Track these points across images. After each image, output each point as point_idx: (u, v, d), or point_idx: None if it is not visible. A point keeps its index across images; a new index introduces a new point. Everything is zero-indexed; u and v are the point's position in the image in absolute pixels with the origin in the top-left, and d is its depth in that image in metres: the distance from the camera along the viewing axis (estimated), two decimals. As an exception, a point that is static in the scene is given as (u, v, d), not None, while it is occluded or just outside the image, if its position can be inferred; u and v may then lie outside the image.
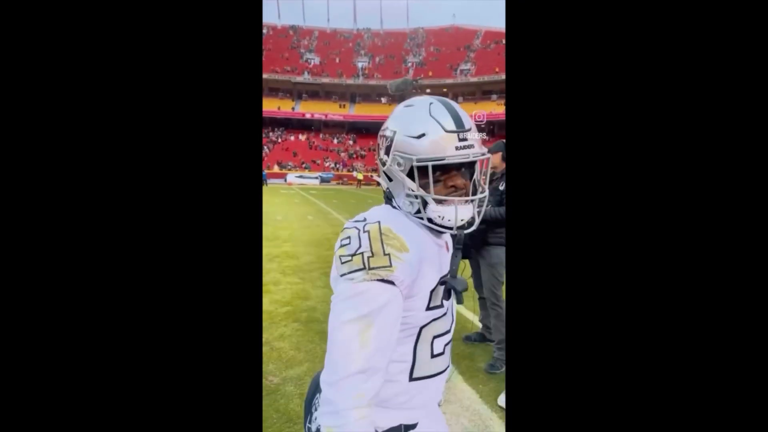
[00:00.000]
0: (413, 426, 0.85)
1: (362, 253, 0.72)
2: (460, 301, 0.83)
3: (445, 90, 44.76)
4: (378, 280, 0.72)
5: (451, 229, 0.80)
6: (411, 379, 0.83)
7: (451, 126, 0.78)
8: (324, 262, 5.67)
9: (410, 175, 0.80)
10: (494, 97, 43.21)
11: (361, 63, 51.18)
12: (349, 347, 0.72)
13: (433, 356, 0.84)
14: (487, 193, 0.84)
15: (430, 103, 0.81)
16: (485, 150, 0.82)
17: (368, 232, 0.74)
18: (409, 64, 50.07)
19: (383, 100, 45.96)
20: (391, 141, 0.82)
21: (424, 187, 0.79)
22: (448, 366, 0.90)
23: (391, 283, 0.73)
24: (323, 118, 45.19)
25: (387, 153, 0.83)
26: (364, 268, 0.72)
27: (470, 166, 0.84)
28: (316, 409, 0.81)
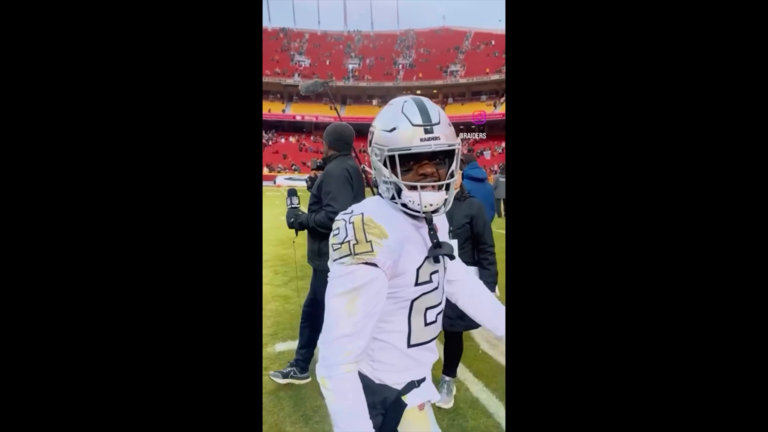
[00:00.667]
0: (423, 379, 1.03)
1: (348, 242, 0.85)
2: (452, 258, 0.96)
3: (435, 91, 44.95)
4: (363, 263, 0.85)
5: (419, 212, 0.91)
6: (409, 345, 0.98)
7: (418, 120, 0.89)
8: (278, 261, 5.76)
9: (385, 164, 0.92)
10: (483, 97, 43.44)
11: (352, 65, 51.29)
12: (338, 315, 0.86)
13: (426, 324, 0.99)
14: (454, 180, 0.94)
15: (404, 102, 0.93)
16: (454, 142, 0.92)
17: (353, 223, 0.86)
18: (399, 66, 50.24)
19: (374, 102, 46.08)
20: (373, 135, 0.95)
21: (396, 174, 0.90)
22: (440, 330, 1.06)
23: (374, 265, 0.85)
24: (314, 120, 45.25)
25: (370, 145, 0.96)
26: (351, 254, 0.85)
27: (446, 156, 0.94)
28: None
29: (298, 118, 45.27)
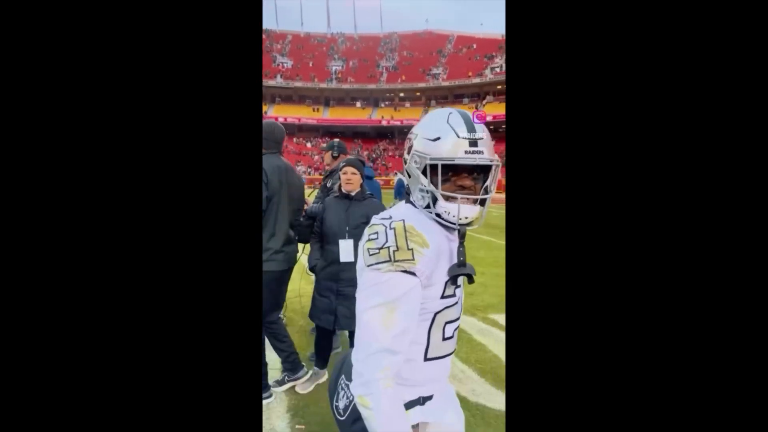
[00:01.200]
0: (429, 397, 1.00)
1: (388, 247, 0.83)
2: (471, 281, 0.94)
3: (418, 93, 45.25)
4: (401, 271, 0.83)
5: (454, 224, 0.90)
6: (426, 359, 0.95)
7: (464, 133, 0.89)
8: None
9: (424, 173, 0.91)
10: (465, 100, 43.94)
11: (335, 67, 51.20)
12: (375, 328, 0.83)
13: (444, 339, 0.97)
14: (490, 195, 0.93)
15: (450, 113, 0.93)
16: (496, 158, 0.92)
17: (394, 228, 0.85)
18: (383, 68, 50.41)
19: (357, 104, 46.12)
20: (413, 142, 0.95)
21: (435, 184, 0.90)
22: (455, 348, 1.03)
23: (413, 274, 0.84)
24: (297, 122, 45.01)
25: (408, 152, 0.96)
26: (390, 260, 0.83)
27: (482, 170, 0.94)
28: (342, 389, 0.96)
29: (281, 119, 44.83)
